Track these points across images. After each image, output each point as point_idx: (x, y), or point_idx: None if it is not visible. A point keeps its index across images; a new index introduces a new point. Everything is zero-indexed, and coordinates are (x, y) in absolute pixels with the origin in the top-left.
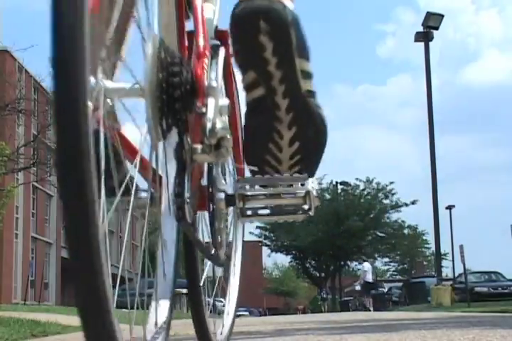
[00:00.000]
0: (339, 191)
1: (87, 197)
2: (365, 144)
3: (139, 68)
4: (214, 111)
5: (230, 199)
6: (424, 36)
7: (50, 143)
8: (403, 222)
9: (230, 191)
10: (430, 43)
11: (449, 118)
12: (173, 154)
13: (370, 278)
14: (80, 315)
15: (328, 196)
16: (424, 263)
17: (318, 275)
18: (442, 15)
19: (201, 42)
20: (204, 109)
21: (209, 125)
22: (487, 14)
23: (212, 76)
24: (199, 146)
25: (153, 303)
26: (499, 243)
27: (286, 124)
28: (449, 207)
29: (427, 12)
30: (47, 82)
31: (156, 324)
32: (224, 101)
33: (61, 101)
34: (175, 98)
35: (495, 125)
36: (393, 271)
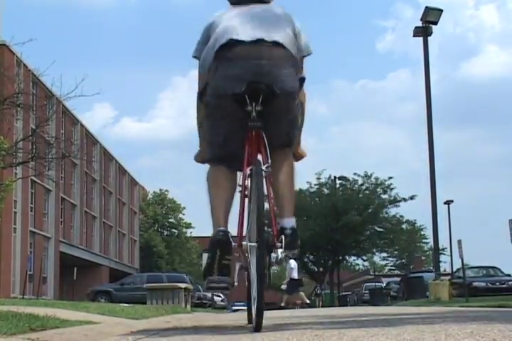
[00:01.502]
0: (337, 186)
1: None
2: (364, 139)
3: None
4: (280, 254)
5: (270, 248)
6: (423, 31)
7: (48, 138)
8: (401, 216)
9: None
10: (429, 38)
11: (448, 113)
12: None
13: (295, 275)
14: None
15: (326, 191)
16: (423, 258)
17: (316, 270)
18: (441, 10)
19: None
20: (277, 252)
21: (279, 256)
22: (486, 9)
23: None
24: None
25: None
26: (497, 238)
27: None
28: (448, 202)
29: (426, 7)
30: (45, 77)
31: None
32: (282, 250)
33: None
34: (269, 250)
35: (494, 120)
36: (391, 265)
